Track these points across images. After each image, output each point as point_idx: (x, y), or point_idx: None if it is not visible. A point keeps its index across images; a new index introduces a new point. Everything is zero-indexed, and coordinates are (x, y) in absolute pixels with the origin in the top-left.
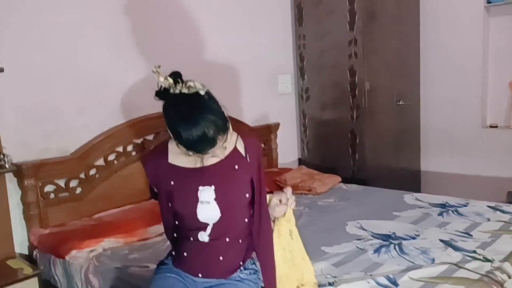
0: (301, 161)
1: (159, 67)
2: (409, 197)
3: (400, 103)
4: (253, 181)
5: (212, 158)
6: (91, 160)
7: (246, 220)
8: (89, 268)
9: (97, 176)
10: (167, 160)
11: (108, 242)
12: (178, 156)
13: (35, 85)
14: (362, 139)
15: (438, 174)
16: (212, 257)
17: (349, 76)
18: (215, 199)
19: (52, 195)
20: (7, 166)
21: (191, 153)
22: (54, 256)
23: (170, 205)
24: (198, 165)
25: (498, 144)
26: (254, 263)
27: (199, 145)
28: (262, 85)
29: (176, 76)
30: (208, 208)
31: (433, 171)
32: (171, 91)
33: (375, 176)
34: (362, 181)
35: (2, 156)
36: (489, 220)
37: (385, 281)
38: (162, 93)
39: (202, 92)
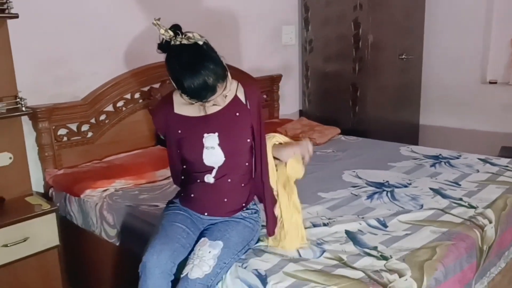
0: (302, 113)
1: (159, 19)
2: (405, 149)
3: (403, 57)
4: (253, 127)
5: (214, 106)
6: (100, 106)
7: (247, 164)
8: (103, 205)
9: (106, 121)
10: (173, 111)
11: (119, 183)
12: (183, 106)
13: (47, 32)
14: (363, 92)
15: (436, 128)
16: (217, 199)
17: (353, 28)
18: (219, 145)
19: (65, 138)
20: (23, 109)
21: (193, 101)
22: (69, 195)
23: (178, 152)
24: (202, 113)
25: (496, 100)
26: (255, 204)
27: (201, 93)
28: (265, 36)
29: (176, 28)
30: (213, 153)
31: (431, 125)
32: (172, 43)
33: (374, 128)
34: (361, 133)
35: (18, 99)
36: (478, 171)
37: (375, 223)
38: (164, 46)
39: (200, 42)
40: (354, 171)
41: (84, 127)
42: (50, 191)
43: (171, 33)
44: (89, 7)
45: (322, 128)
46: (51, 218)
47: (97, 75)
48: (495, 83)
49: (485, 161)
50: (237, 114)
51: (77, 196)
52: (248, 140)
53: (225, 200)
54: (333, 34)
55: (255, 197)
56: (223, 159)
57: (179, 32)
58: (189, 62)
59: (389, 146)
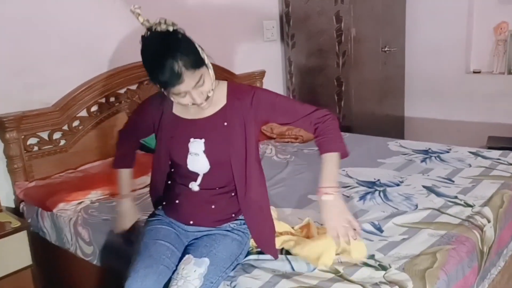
0: None
1: (139, 7)
2: (393, 144)
3: (386, 49)
4: (243, 140)
5: (205, 111)
6: (73, 112)
7: (235, 174)
8: (78, 220)
9: (80, 128)
10: (171, 110)
11: (95, 194)
12: (180, 107)
13: (14, 36)
14: (348, 86)
15: (421, 120)
16: (203, 205)
17: (335, 22)
18: (204, 152)
19: (35, 148)
20: None
21: (165, 90)
22: (42, 209)
23: (166, 151)
24: (193, 116)
25: (481, 89)
26: None
27: (166, 78)
28: (247, 31)
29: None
30: (197, 159)
31: (416, 117)
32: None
33: (360, 123)
34: (347, 128)
35: None
36: (470, 166)
37: (370, 227)
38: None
39: (170, 28)
40: (344, 170)
41: (56, 135)
42: (21, 205)
43: (151, 22)
44: (58, 6)
45: None
46: (22, 236)
47: (70, 79)
48: (479, 72)
49: (476, 154)
50: (225, 123)
51: (49, 211)
52: (235, 152)
53: (213, 207)
54: (315, 28)
55: None
56: (208, 167)
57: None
58: (157, 48)
59: (377, 141)
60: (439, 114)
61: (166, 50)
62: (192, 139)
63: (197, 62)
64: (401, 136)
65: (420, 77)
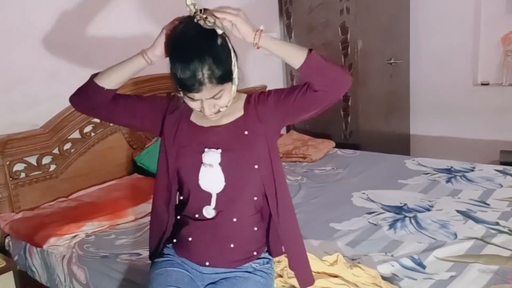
0: (289, 125)
1: None
2: (411, 163)
3: (392, 61)
4: (266, 151)
5: (222, 118)
6: (64, 134)
7: (255, 198)
8: (72, 258)
9: (72, 151)
10: (189, 117)
11: (90, 226)
12: (198, 115)
13: None
14: (355, 102)
15: (428, 135)
16: (221, 243)
17: (341, 34)
18: (220, 164)
19: (22, 175)
20: None
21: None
22: (30, 245)
23: (174, 166)
24: (208, 124)
25: (490, 102)
26: (267, 251)
27: (184, 76)
28: (246, 45)
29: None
30: (211, 172)
31: (422, 131)
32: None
33: (367, 139)
34: (355, 146)
35: None
36: (501, 186)
37: (410, 263)
38: None
39: (219, 31)
40: (363, 193)
41: (46, 160)
42: (7, 240)
43: (194, 8)
44: (47, 21)
45: (316, 142)
46: (8, 278)
47: (60, 98)
48: (487, 84)
49: (504, 172)
50: (246, 132)
51: (39, 247)
52: (256, 167)
53: (232, 246)
54: (319, 41)
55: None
56: (223, 183)
57: (202, 10)
58: (189, 44)
59: (392, 159)
60: (447, 128)
61: (197, 49)
62: (206, 149)
63: (223, 77)
64: (407, 152)
65: (426, 90)
